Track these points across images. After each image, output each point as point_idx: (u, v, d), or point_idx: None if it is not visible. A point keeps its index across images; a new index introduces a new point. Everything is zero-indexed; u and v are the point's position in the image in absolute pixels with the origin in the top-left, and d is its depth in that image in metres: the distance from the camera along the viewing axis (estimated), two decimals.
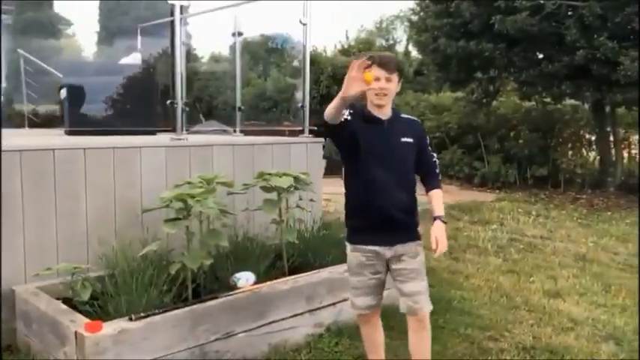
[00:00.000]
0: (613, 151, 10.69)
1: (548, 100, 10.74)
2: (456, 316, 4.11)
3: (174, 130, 4.56)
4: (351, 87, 2.32)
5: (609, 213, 8.53)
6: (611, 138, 10.76)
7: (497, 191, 10.36)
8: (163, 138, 4.75)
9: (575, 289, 4.89)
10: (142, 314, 2.86)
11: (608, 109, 10.42)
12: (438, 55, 10.68)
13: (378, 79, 2.60)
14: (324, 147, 14.18)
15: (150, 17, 7.96)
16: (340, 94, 2.34)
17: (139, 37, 7.72)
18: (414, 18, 12.70)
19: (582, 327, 4.03)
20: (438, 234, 2.72)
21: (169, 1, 4.29)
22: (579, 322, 4.11)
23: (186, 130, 6.71)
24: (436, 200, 2.85)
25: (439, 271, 5.18)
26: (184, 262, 3.21)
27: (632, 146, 11.04)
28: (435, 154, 2.94)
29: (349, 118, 2.60)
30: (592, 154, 11.29)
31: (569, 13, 8.81)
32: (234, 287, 3.40)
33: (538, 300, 4.57)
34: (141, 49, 7.85)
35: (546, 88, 9.88)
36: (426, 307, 2.84)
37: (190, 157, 4.19)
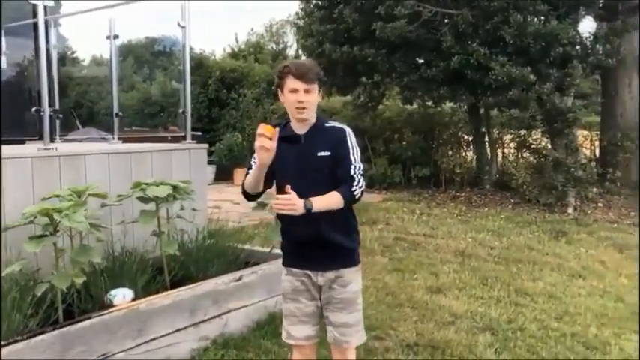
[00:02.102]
0: (488, 151, 11.40)
1: (429, 103, 11.26)
2: None
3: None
4: (261, 156, 2.33)
5: (486, 209, 9.07)
6: (487, 138, 11.47)
7: (384, 192, 10.70)
8: (31, 148, 4.41)
9: (455, 283, 5.12)
10: (2, 342, 2.61)
11: (482, 111, 11.10)
12: (323, 60, 10.82)
13: (295, 90, 2.41)
14: (212, 152, 13.87)
15: (16, 17, 7.37)
16: (256, 163, 2.38)
17: (3, 39, 7.13)
18: (301, 23, 12.83)
19: (462, 320, 4.23)
20: (286, 198, 2.29)
21: (30, 1, 3.97)
22: (459, 316, 4.31)
23: (61, 139, 6.32)
24: (325, 195, 2.39)
25: None
26: (52, 281, 2.98)
27: (505, 146, 11.82)
28: (357, 166, 2.49)
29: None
30: (470, 154, 11.96)
31: (445, 20, 9.29)
32: (110, 305, 3.21)
33: (421, 296, 4.74)
34: (7, 52, 7.26)
35: (426, 92, 10.35)
36: (354, 340, 2.61)
37: (60, 169, 3.90)
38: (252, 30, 26.87)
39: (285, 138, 2.47)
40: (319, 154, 2.47)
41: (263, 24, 29.39)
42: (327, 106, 13.73)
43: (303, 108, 2.44)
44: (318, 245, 2.49)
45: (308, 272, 2.55)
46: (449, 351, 3.69)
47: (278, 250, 4.21)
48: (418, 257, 6.05)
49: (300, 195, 2.36)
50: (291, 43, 24.80)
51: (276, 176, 2.52)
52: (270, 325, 3.85)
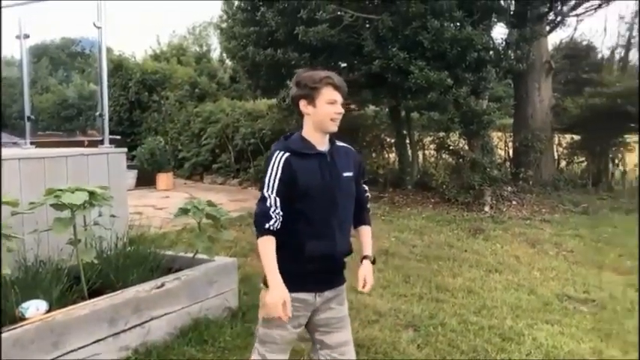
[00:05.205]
0: (410, 152, 11.71)
1: (352, 106, 11.42)
2: None
3: None
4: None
5: (408, 209, 9.31)
6: (408, 140, 11.77)
7: None
8: None
9: (379, 282, 5.21)
10: None
11: (403, 113, 11.39)
12: (247, 63, 10.79)
13: (334, 102, 2.32)
14: (133, 157, 13.44)
15: None
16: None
17: None
18: (223, 25, 12.71)
19: (386, 318, 4.32)
20: (367, 275, 2.47)
21: None
22: (383, 314, 4.40)
23: None
24: (366, 238, 2.56)
25: (254, 277, 5.18)
26: None
27: (426, 147, 12.18)
28: (366, 187, 2.62)
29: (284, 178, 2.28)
30: (392, 156, 12.24)
31: (366, 25, 9.46)
32: (22, 319, 3.04)
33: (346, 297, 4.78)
34: None
35: (349, 95, 10.45)
36: (353, 356, 2.51)
37: None
38: (174, 32, 26.32)
39: (310, 154, 2.34)
40: (345, 174, 2.40)
41: (185, 26, 28.90)
42: (254, 109, 13.69)
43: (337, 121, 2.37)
44: (329, 268, 2.41)
45: (305, 296, 2.35)
46: (373, 349, 3.76)
47: (202, 256, 4.18)
48: None
49: (328, 216, 2.33)
50: (215, 46, 24.47)
51: (300, 194, 2.29)
52: (194, 332, 3.78)
